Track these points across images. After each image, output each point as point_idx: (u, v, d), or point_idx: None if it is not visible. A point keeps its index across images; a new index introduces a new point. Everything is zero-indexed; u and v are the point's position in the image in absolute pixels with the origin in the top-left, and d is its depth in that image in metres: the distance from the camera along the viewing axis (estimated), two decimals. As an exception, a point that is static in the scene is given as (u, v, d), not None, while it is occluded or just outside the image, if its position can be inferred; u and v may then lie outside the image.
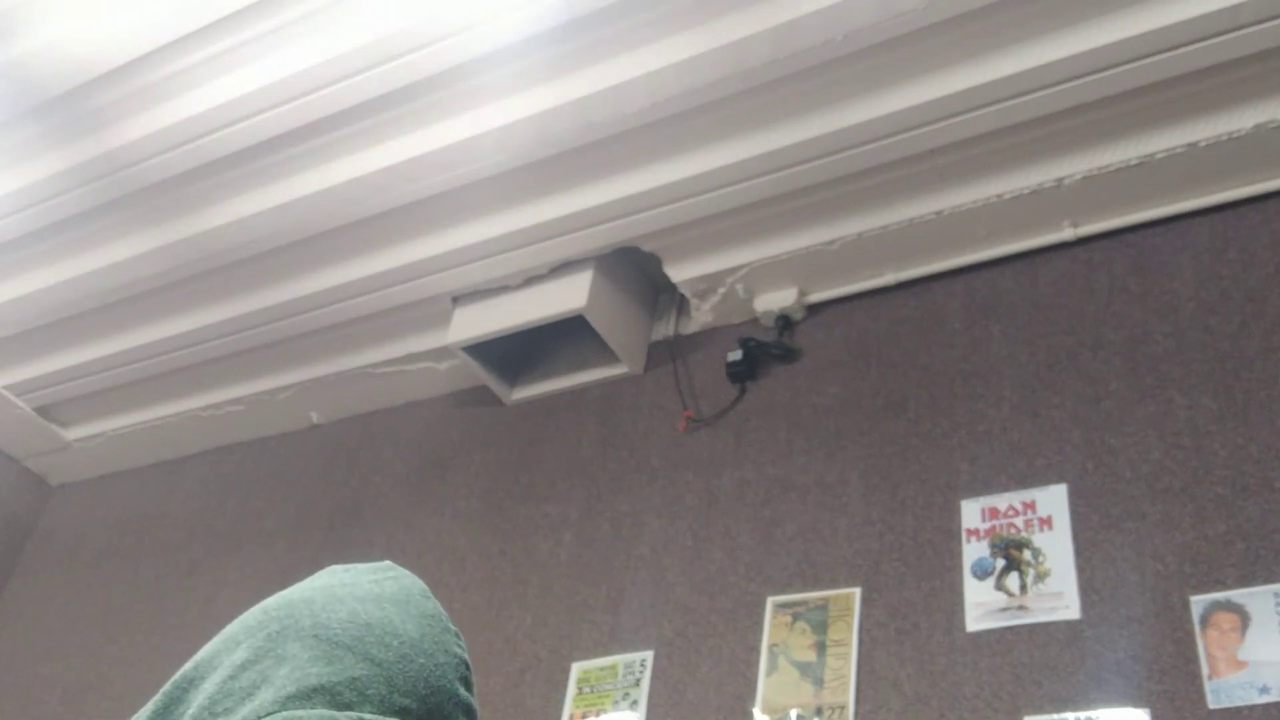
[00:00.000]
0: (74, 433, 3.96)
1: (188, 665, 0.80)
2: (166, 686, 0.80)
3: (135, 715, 0.81)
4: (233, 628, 0.82)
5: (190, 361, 3.56)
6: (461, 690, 0.84)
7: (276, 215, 3.03)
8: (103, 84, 2.78)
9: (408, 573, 0.89)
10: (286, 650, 0.78)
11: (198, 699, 0.78)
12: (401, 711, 0.78)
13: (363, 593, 0.85)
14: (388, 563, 0.90)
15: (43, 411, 3.89)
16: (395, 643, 0.81)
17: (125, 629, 3.52)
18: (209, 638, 0.83)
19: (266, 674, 0.77)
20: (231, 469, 3.78)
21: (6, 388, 3.78)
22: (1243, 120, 2.46)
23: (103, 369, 3.65)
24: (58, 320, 3.50)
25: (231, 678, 0.78)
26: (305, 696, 0.76)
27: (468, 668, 0.86)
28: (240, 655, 0.79)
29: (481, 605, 2.95)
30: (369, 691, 0.78)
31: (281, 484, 3.61)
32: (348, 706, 0.76)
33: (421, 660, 0.82)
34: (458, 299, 3.21)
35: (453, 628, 0.88)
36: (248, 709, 0.75)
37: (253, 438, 3.80)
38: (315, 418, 3.68)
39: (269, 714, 0.74)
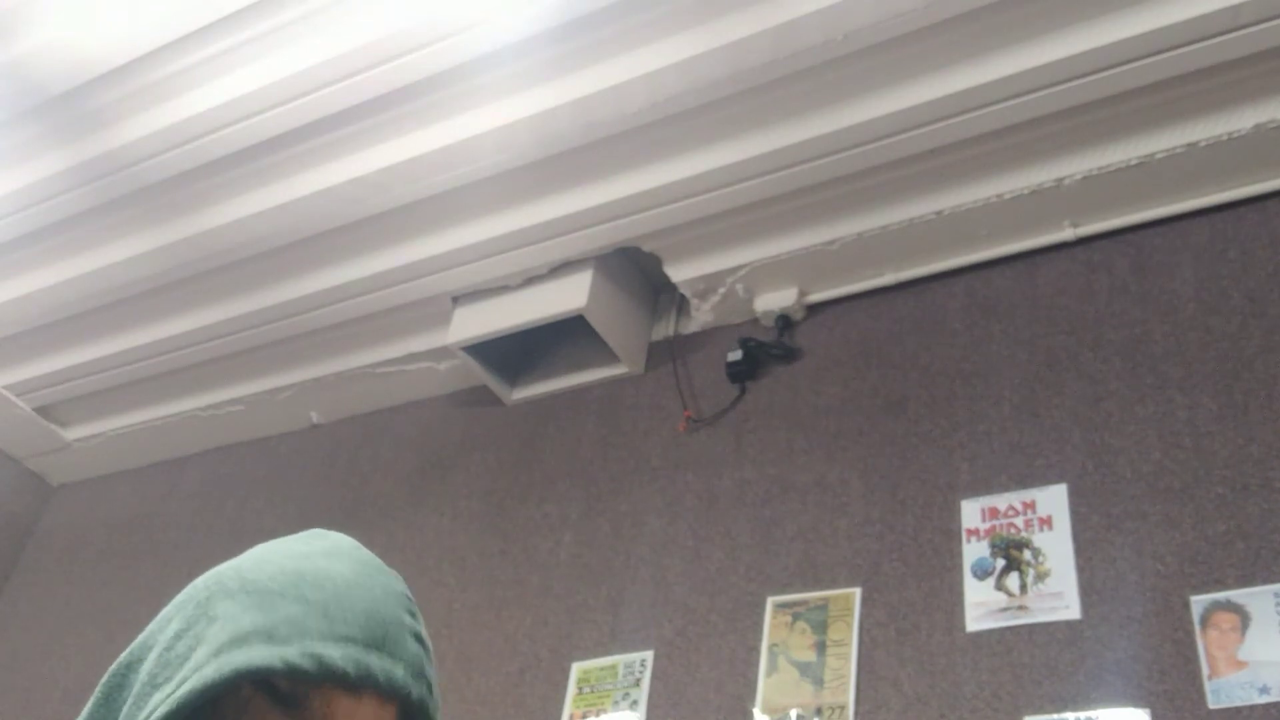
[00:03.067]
0: (74, 433, 3.96)
1: (122, 655, 0.80)
2: (104, 679, 0.80)
3: (79, 716, 0.81)
4: (165, 610, 0.81)
5: (190, 361, 3.56)
6: (408, 619, 0.82)
7: (276, 215, 3.03)
8: (103, 84, 2.78)
9: (338, 533, 0.88)
10: (217, 610, 0.78)
11: (138, 680, 0.77)
12: (346, 640, 0.77)
13: (290, 550, 0.84)
14: (317, 529, 0.89)
15: (43, 411, 3.89)
16: (328, 583, 0.80)
17: (125, 629, 3.52)
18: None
19: (200, 635, 0.76)
20: (231, 469, 3.78)
21: (6, 388, 3.78)
22: (1243, 120, 2.45)
23: (103, 369, 3.65)
24: (58, 320, 3.50)
25: (167, 649, 0.77)
26: (240, 642, 0.75)
27: (411, 601, 0.84)
28: (173, 628, 0.78)
29: (481, 605, 2.95)
30: (307, 626, 0.76)
31: (281, 484, 3.61)
32: (285, 642, 0.75)
33: (359, 594, 0.80)
34: (458, 299, 3.21)
35: (391, 570, 0.86)
36: (185, 670, 0.74)
37: (253, 438, 3.80)
38: (315, 418, 3.68)
39: (203, 665, 0.74)
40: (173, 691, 0.74)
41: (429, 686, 0.82)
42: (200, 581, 0.82)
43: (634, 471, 2.96)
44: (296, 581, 0.79)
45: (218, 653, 0.74)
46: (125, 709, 0.77)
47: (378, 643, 0.78)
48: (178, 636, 0.78)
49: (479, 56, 2.62)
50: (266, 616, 0.77)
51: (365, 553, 0.86)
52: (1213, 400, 2.34)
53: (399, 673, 0.78)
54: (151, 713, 0.73)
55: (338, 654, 0.76)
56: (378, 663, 0.77)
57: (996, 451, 2.50)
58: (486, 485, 3.19)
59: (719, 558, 2.68)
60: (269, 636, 0.75)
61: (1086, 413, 2.45)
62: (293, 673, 0.74)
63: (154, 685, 0.76)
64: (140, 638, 0.81)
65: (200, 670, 0.73)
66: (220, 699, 0.74)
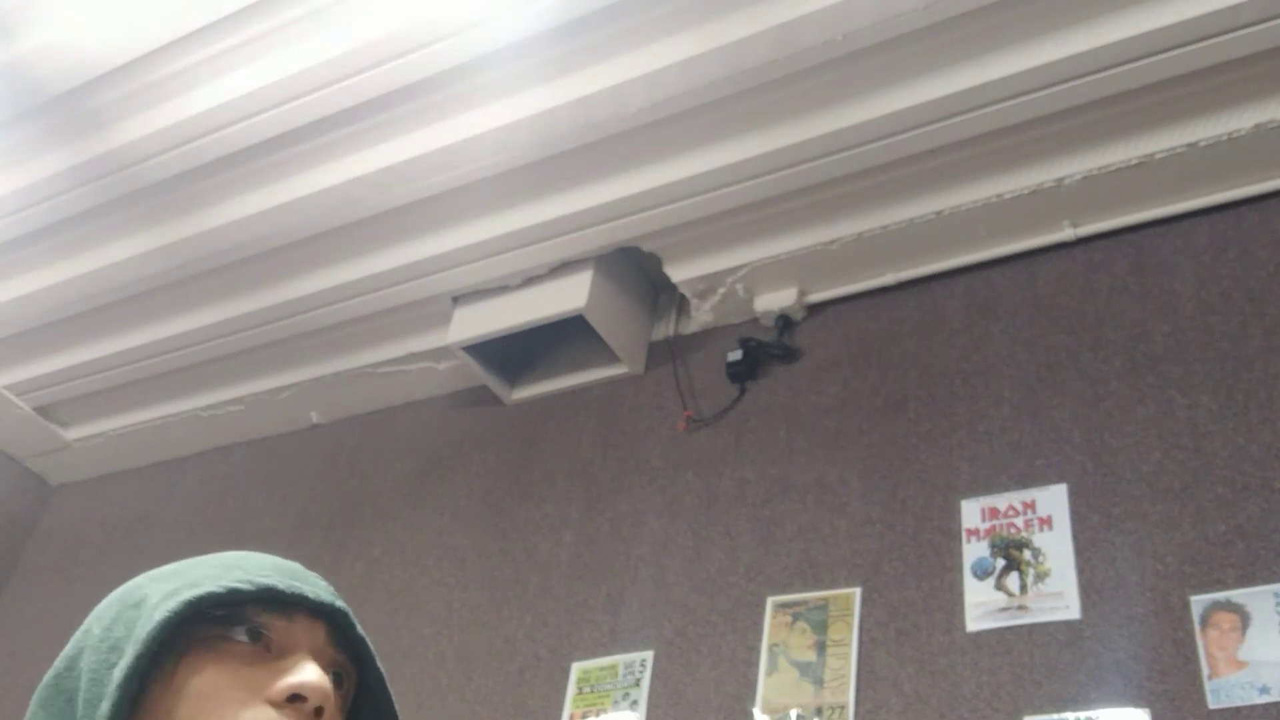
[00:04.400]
0: (74, 433, 3.96)
1: (45, 677, 0.84)
2: (33, 700, 0.84)
3: None
4: (74, 636, 0.86)
5: (190, 361, 3.56)
6: (313, 574, 0.89)
7: (276, 215, 3.02)
8: (103, 84, 2.78)
9: None
10: (138, 596, 0.83)
11: (83, 675, 0.81)
12: (264, 576, 0.84)
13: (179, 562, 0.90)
14: None
15: (43, 411, 3.89)
16: (228, 556, 0.88)
17: (125, 629, 3.52)
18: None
19: (132, 618, 0.82)
20: (231, 469, 3.78)
21: (6, 388, 3.78)
22: (1243, 120, 2.45)
23: (103, 369, 3.65)
24: (58, 320, 3.50)
25: (102, 639, 0.82)
26: (174, 594, 0.81)
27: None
28: (100, 626, 0.83)
29: (481, 605, 2.95)
30: (227, 573, 0.83)
31: (281, 484, 3.61)
32: (214, 581, 0.82)
33: (260, 557, 0.89)
34: (458, 299, 3.21)
35: None
36: (136, 633, 0.79)
37: (253, 438, 3.80)
38: (315, 418, 3.68)
39: (151, 620, 0.79)
40: (132, 648, 0.78)
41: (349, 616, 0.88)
42: (101, 605, 0.87)
43: (634, 471, 2.96)
44: (199, 562, 0.87)
45: (157, 607, 0.80)
46: (81, 702, 0.80)
47: (294, 579, 0.86)
48: (108, 629, 0.82)
49: (479, 56, 2.62)
50: (188, 576, 0.83)
51: None
52: (1213, 400, 2.33)
53: (322, 592, 0.86)
54: (117, 679, 0.77)
55: (264, 579, 0.83)
56: (299, 585, 0.84)
57: (996, 451, 2.50)
58: (486, 485, 3.19)
59: (719, 558, 2.68)
60: (195, 585, 0.81)
61: (1086, 413, 2.45)
62: (233, 595, 0.80)
63: (108, 665, 0.79)
64: (60, 658, 0.85)
65: (150, 622, 0.78)
66: (168, 645, 0.78)
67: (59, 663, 0.84)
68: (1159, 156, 2.54)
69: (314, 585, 0.86)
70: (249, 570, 0.84)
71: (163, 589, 0.82)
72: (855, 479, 2.63)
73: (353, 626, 0.87)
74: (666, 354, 3.12)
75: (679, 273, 3.04)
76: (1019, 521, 2.38)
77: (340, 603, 0.86)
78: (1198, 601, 2.12)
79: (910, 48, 2.47)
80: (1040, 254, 2.74)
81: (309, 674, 0.80)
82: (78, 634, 0.85)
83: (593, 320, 2.99)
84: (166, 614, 0.78)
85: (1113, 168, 2.58)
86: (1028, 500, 2.40)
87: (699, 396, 3.00)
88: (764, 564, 2.61)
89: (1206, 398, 2.34)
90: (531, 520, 3.03)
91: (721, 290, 3.03)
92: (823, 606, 2.48)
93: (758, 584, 2.59)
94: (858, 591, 2.46)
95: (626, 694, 2.58)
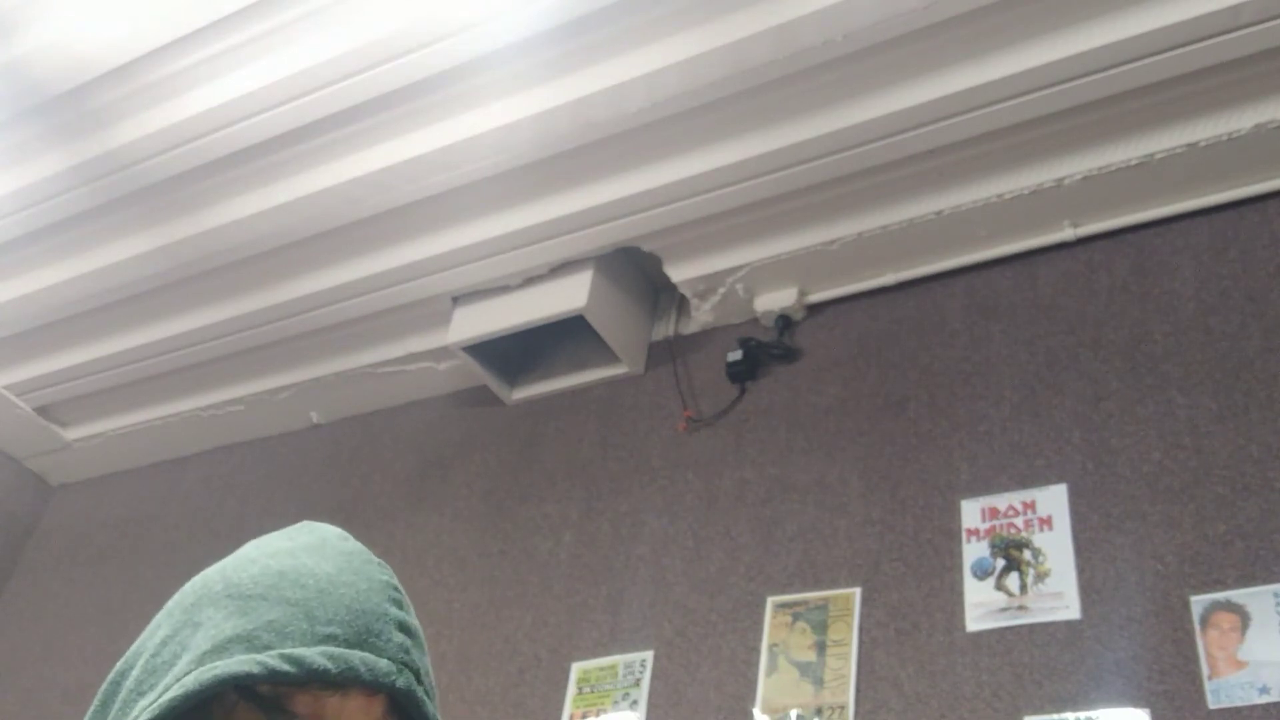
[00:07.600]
0: (74, 433, 3.96)
1: (118, 663, 0.80)
2: (101, 688, 0.81)
3: None
4: (158, 616, 0.82)
5: (190, 361, 3.56)
6: (392, 609, 0.82)
7: (276, 215, 3.03)
8: (103, 84, 2.78)
9: (325, 525, 0.88)
10: (201, 616, 0.78)
11: (125, 687, 0.78)
12: (327, 639, 0.77)
13: (275, 549, 0.84)
14: (305, 522, 0.89)
15: (43, 411, 3.89)
16: (311, 581, 0.80)
17: (125, 629, 3.51)
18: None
19: (184, 643, 0.77)
20: (231, 469, 3.78)
21: (6, 388, 3.78)
22: (1243, 120, 2.46)
23: (103, 369, 3.65)
24: (58, 320, 3.50)
25: (154, 655, 0.78)
26: (220, 650, 0.75)
27: (398, 590, 0.84)
28: (160, 634, 0.79)
29: (481, 605, 2.95)
30: (288, 629, 0.77)
31: (281, 484, 3.61)
32: (267, 647, 0.75)
33: (342, 590, 0.80)
34: (458, 299, 3.21)
35: (376, 560, 0.86)
36: (169, 678, 0.75)
37: (253, 438, 3.80)
38: (315, 418, 3.68)
39: (185, 675, 0.74)
40: (156, 699, 0.74)
41: (416, 675, 0.81)
42: (189, 586, 0.83)
43: (634, 471, 2.96)
44: (278, 583, 0.80)
45: (200, 661, 0.75)
46: (113, 716, 0.78)
47: (360, 637, 0.78)
48: (164, 643, 0.79)
49: (479, 56, 2.62)
50: (249, 622, 0.77)
51: (351, 544, 0.86)
52: (1213, 400, 2.34)
53: (382, 664, 0.78)
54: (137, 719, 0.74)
55: (319, 653, 0.76)
56: (360, 657, 0.77)
57: (996, 451, 2.50)
58: (486, 485, 3.19)
59: (719, 558, 2.68)
60: (249, 643, 0.76)
61: (1086, 413, 2.45)
62: (274, 676, 0.74)
63: (139, 692, 0.77)
64: (132, 648, 0.82)
65: (182, 680, 0.74)
66: (207, 704, 0.74)
67: (128, 655, 0.80)
68: (1159, 156, 2.54)
69: (377, 651, 0.78)
70: (316, 619, 0.77)
71: (215, 630, 0.76)
72: (855, 479, 2.63)
73: (419, 704, 0.79)
74: (666, 354, 3.13)
75: (679, 273, 3.04)
76: (1019, 521, 2.38)
77: (403, 680, 0.78)
78: (1198, 601, 2.12)
79: (910, 48, 2.47)
80: (1040, 254, 2.74)
81: None
82: (150, 626, 0.81)
83: (593, 320, 2.99)
84: (194, 688, 0.72)
85: (1113, 168, 2.58)
86: (1028, 500, 2.40)
87: (699, 396, 3.00)
88: (764, 564, 2.61)
89: (1206, 398, 2.34)
90: (531, 520, 3.03)
91: (721, 290, 3.03)
92: (823, 606, 2.48)
93: (758, 584, 2.59)
94: (858, 591, 2.46)
95: (626, 694, 2.59)
